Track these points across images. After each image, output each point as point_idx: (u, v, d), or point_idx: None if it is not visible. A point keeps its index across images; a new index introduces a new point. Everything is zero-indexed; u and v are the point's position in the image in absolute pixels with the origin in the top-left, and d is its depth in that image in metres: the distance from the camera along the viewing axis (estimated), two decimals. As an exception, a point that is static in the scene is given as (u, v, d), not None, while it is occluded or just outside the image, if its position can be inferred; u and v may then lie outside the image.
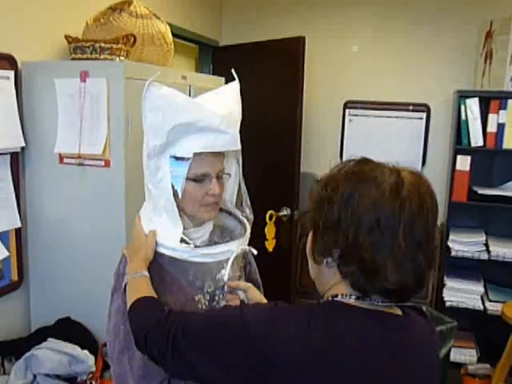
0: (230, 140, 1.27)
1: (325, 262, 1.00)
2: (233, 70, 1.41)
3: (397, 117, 3.55)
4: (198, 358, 1.01)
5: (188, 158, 1.26)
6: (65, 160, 2.05)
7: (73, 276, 2.13)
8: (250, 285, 1.36)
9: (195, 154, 1.26)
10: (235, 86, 1.39)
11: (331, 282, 1.02)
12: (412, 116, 3.53)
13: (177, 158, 1.27)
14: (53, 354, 1.94)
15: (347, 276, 0.97)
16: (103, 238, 2.04)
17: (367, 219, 0.92)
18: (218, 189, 1.31)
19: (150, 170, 1.29)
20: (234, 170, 1.43)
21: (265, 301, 1.34)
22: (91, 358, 2.00)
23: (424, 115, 3.51)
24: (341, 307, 0.98)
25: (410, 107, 3.52)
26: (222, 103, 1.30)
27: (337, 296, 0.99)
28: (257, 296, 1.34)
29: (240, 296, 1.34)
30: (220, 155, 1.33)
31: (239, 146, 1.30)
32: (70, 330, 2.11)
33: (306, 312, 0.96)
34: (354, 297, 0.98)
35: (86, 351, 2.01)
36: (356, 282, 0.96)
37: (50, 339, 2.03)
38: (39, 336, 2.08)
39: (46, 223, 2.14)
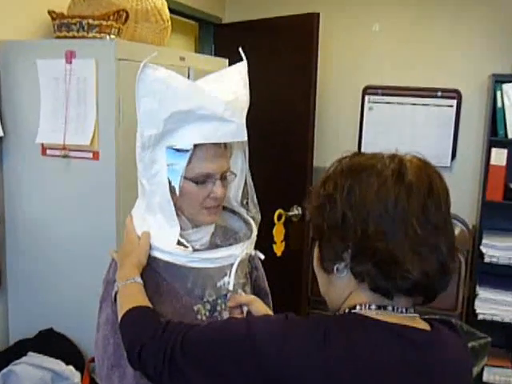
0: (236, 130, 1.26)
1: (335, 268, 1.00)
2: (240, 49, 1.40)
3: (423, 104, 3.53)
4: (198, 376, 1.01)
5: (187, 150, 1.25)
6: (48, 151, 2.05)
7: (56, 283, 2.13)
8: (252, 298, 1.35)
9: (196, 148, 1.25)
10: (243, 67, 1.38)
11: (346, 293, 1.02)
12: (441, 103, 3.51)
13: (174, 150, 1.26)
14: (33, 370, 1.95)
15: (364, 277, 0.97)
16: (91, 240, 2.04)
17: (374, 209, 0.94)
18: (222, 191, 1.31)
19: (144, 162, 1.29)
20: (239, 164, 1.42)
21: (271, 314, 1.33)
22: (77, 375, 2.00)
23: (454, 102, 3.49)
24: (360, 321, 0.97)
25: (439, 93, 3.51)
26: (227, 87, 1.30)
27: (355, 307, 0.99)
28: (262, 310, 1.34)
29: (243, 310, 1.33)
30: (226, 150, 1.32)
31: (246, 137, 1.29)
32: (52, 343, 2.11)
33: (322, 326, 0.95)
34: (374, 307, 0.98)
35: (70, 367, 2.01)
36: (375, 282, 0.96)
37: (30, 353, 2.04)
38: (18, 350, 2.08)
39: (26, 223, 2.15)
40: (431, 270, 0.95)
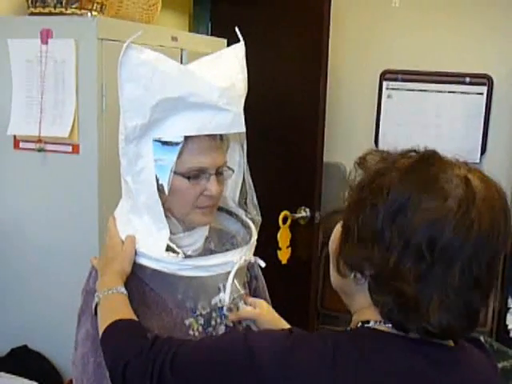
0: (232, 120, 1.26)
1: (352, 276, 0.99)
2: (237, 29, 1.40)
3: (449, 91, 3.52)
4: None
5: (177, 143, 1.25)
6: (21, 144, 2.05)
7: (31, 293, 2.13)
8: (259, 312, 1.35)
9: (188, 139, 1.25)
10: (240, 49, 1.38)
11: (359, 303, 1.02)
12: (469, 90, 3.50)
13: (163, 143, 1.27)
14: (5, 393, 1.95)
15: (378, 305, 0.97)
16: (71, 245, 2.04)
17: (418, 242, 0.90)
18: (217, 189, 1.31)
19: (128, 157, 1.29)
20: (236, 159, 1.43)
21: (283, 323, 1.34)
22: (54, 399, 2.01)
23: (485, 89, 3.48)
24: (373, 336, 0.97)
25: (467, 79, 3.50)
26: (223, 72, 1.30)
27: (368, 322, 0.99)
28: (273, 322, 1.34)
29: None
30: (222, 143, 1.32)
31: (244, 128, 1.29)
32: (27, 363, 2.12)
33: (331, 342, 0.95)
34: (390, 324, 0.97)
35: (46, 389, 2.01)
36: (388, 314, 0.96)
37: (1, 374, 2.04)
38: (-13, 370, 2.09)
39: (-4, 225, 2.15)
40: (456, 324, 0.93)
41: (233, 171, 1.38)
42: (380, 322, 0.98)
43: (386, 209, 0.93)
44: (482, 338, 1.13)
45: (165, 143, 1.26)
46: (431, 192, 0.92)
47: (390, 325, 0.97)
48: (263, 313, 1.36)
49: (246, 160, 1.42)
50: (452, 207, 0.90)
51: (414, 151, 0.99)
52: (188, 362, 1.04)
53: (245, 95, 1.33)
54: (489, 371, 1.05)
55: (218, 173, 1.32)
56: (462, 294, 0.92)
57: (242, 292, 1.35)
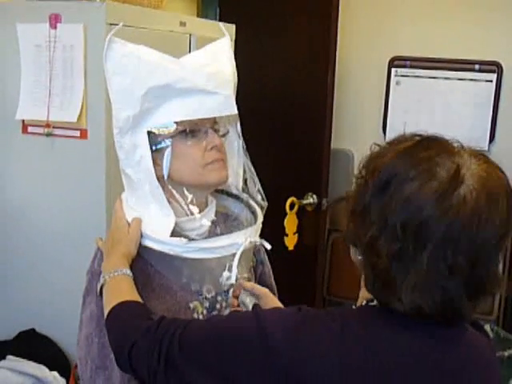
0: (223, 102, 1.28)
1: (352, 250, 1.04)
2: (220, 24, 1.43)
3: (458, 78, 3.50)
4: (200, 377, 1.02)
5: (170, 130, 1.27)
6: (29, 129, 2.06)
7: (39, 276, 2.15)
8: (266, 290, 1.37)
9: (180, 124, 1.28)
10: (225, 42, 1.41)
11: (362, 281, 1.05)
12: (479, 77, 3.48)
13: (156, 131, 1.28)
14: (13, 376, 1.97)
15: (366, 280, 1.00)
16: (79, 229, 2.05)
17: (394, 221, 0.92)
18: (219, 140, 1.32)
19: (125, 149, 1.31)
20: (234, 145, 1.43)
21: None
22: (62, 382, 2.02)
23: (494, 77, 3.46)
24: (378, 312, 1.00)
25: (477, 66, 3.47)
26: (209, 60, 1.32)
27: (372, 300, 1.02)
28: (272, 306, 1.35)
29: (248, 307, 1.33)
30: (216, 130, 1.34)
31: (235, 110, 1.30)
32: (34, 346, 2.14)
33: (338, 318, 0.97)
34: None
35: (54, 373, 2.03)
36: (374, 291, 0.99)
37: (9, 357, 2.06)
38: (-4, 352, 2.11)
39: (4, 209, 2.16)
40: (426, 308, 0.94)
41: (228, 132, 1.39)
42: None
43: (374, 185, 0.95)
44: (488, 326, 1.14)
45: (158, 131, 1.28)
46: (416, 172, 0.92)
47: None
48: (269, 292, 1.37)
49: (243, 145, 1.42)
50: (432, 188, 0.91)
51: (419, 135, 1.00)
52: (196, 340, 1.05)
53: (234, 81, 1.35)
54: (488, 352, 1.06)
55: (215, 130, 1.33)
56: (434, 279, 0.92)
57: (247, 275, 1.36)
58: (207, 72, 1.26)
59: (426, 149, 0.96)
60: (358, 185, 1.00)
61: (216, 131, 1.33)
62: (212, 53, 1.36)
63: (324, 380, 0.92)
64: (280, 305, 1.37)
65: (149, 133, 1.28)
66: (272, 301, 1.36)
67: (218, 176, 1.34)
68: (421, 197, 0.90)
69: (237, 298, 1.35)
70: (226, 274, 1.32)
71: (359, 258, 1.02)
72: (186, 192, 1.32)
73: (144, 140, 1.28)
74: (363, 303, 1.03)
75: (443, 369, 0.95)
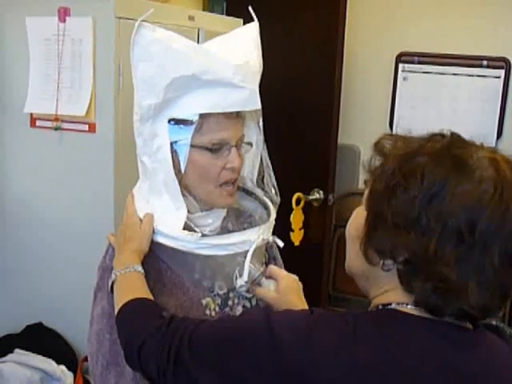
0: (248, 97, 1.26)
1: (381, 263, 0.98)
2: (250, 8, 1.39)
3: (466, 74, 3.49)
4: (208, 378, 1.01)
5: (192, 122, 1.25)
6: (38, 122, 2.06)
7: (46, 270, 2.15)
8: (285, 273, 1.35)
9: (203, 116, 1.25)
10: (254, 27, 1.37)
11: (384, 288, 1.01)
12: (486, 73, 3.47)
13: (177, 122, 1.26)
14: (21, 369, 1.97)
15: (412, 291, 0.96)
16: (87, 223, 2.05)
17: (457, 225, 0.90)
18: (239, 161, 1.30)
19: (144, 137, 1.29)
20: (254, 138, 1.42)
21: (303, 299, 1.33)
22: (69, 376, 2.02)
23: (502, 73, 3.44)
24: (394, 316, 0.97)
25: (484, 62, 3.46)
26: (237, 49, 1.29)
27: (390, 304, 0.99)
28: (292, 290, 1.33)
29: (270, 288, 1.31)
30: (239, 117, 1.31)
31: (259, 105, 1.28)
32: (41, 340, 2.14)
33: (351, 321, 0.95)
34: (411, 306, 0.97)
35: (62, 367, 2.03)
36: (425, 301, 0.95)
37: (17, 350, 2.06)
38: (4, 346, 2.11)
39: (13, 203, 2.16)
40: (493, 305, 0.94)
41: (251, 146, 1.37)
42: (402, 303, 0.97)
43: (422, 193, 0.92)
44: (499, 325, 1.13)
45: (179, 122, 1.26)
46: (465, 175, 0.91)
47: (411, 306, 0.97)
48: (286, 276, 1.35)
49: (263, 138, 1.41)
50: (487, 190, 0.90)
51: (440, 135, 0.98)
52: (206, 340, 1.04)
53: (260, 72, 1.33)
54: (508, 356, 1.04)
55: (237, 146, 1.31)
56: (500, 274, 0.92)
57: (262, 269, 1.35)
58: (234, 64, 1.23)
59: (460, 148, 0.95)
60: (391, 193, 0.95)
61: (239, 148, 1.31)
62: (240, 40, 1.33)
63: (334, 382, 0.91)
64: (299, 291, 1.35)
65: (171, 122, 1.26)
66: (290, 286, 1.33)
67: (226, 202, 1.34)
68: (480, 200, 0.90)
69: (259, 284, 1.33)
70: (239, 281, 1.30)
71: (389, 267, 0.97)
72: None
73: (164, 130, 1.27)
74: (379, 307, 1.01)
75: (461, 373, 0.94)
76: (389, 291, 1.00)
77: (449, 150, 0.95)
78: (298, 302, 1.33)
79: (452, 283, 0.91)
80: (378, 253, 0.98)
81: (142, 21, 1.23)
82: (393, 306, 0.98)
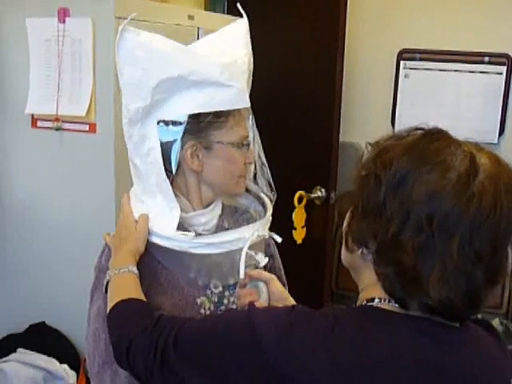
0: (236, 95, 1.26)
1: (359, 252, 1.01)
2: (238, 5, 1.39)
3: (468, 71, 3.48)
4: (193, 375, 1.02)
5: (181, 123, 1.26)
6: (39, 123, 2.07)
7: (49, 270, 2.16)
8: (273, 276, 1.36)
9: (225, 114, 1.27)
10: (242, 24, 1.38)
11: (366, 280, 1.03)
12: (488, 70, 3.46)
13: (167, 123, 1.27)
14: (24, 369, 1.98)
15: (381, 278, 0.98)
16: (87, 222, 2.06)
17: (417, 213, 0.91)
18: (253, 157, 1.37)
19: (134, 140, 1.30)
20: (250, 135, 1.43)
21: (291, 299, 1.34)
22: (72, 375, 2.03)
23: (504, 69, 3.43)
24: (375, 313, 0.98)
25: (486, 58, 3.45)
26: (225, 48, 1.30)
27: (373, 300, 1.00)
28: (280, 291, 1.34)
29: (262, 291, 1.32)
30: (245, 113, 1.34)
31: (248, 103, 1.29)
32: (44, 339, 2.14)
33: (330, 317, 0.96)
34: (394, 303, 0.98)
35: (65, 366, 2.04)
36: (390, 288, 0.97)
37: (20, 350, 2.07)
38: (6, 346, 2.12)
39: (14, 203, 2.17)
40: (456, 299, 0.93)
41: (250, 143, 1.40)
42: (384, 299, 0.98)
43: (388, 181, 0.94)
44: (497, 320, 1.13)
45: (169, 123, 1.27)
46: (432, 164, 0.93)
47: (394, 303, 0.97)
48: (275, 278, 1.36)
49: (257, 136, 1.42)
50: (452, 178, 0.91)
51: (422, 129, 1.00)
52: (190, 339, 1.05)
53: (249, 70, 1.33)
54: (496, 352, 1.04)
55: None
56: (462, 267, 0.92)
57: (261, 265, 1.35)
58: (221, 63, 1.24)
59: (435, 140, 0.97)
60: (365, 182, 0.98)
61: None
62: (228, 38, 1.34)
63: (312, 378, 0.92)
64: (285, 291, 1.37)
65: (160, 124, 1.28)
66: (278, 285, 1.35)
67: (242, 189, 1.39)
68: (443, 188, 0.91)
69: (244, 287, 1.34)
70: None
71: (368, 258, 1.00)
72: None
73: (153, 132, 1.27)
74: (363, 303, 1.02)
75: (442, 369, 0.94)
76: (372, 286, 1.01)
77: (420, 141, 0.97)
78: (289, 298, 1.34)
79: (409, 270, 0.92)
80: (354, 241, 1.01)
81: (126, 25, 1.25)
82: (375, 301, 1.00)
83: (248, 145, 1.33)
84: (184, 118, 1.26)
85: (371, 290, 1.01)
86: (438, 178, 0.91)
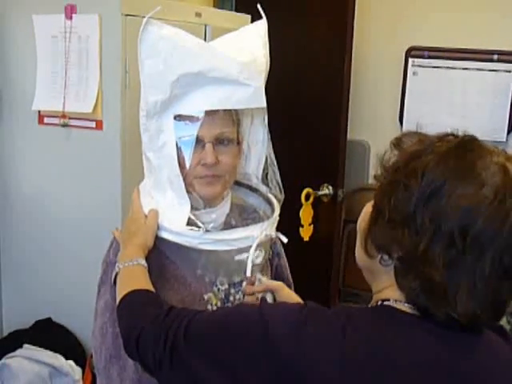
0: (253, 95, 1.26)
1: (379, 257, 0.99)
2: (258, 6, 1.40)
3: (477, 69, 3.47)
4: (203, 367, 1.02)
5: (198, 118, 1.26)
6: (45, 120, 2.07)
7: (56, 266, 2.17)
8: (280, 284, 1.36)
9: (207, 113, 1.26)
10: (262, 25, 1.39)
11: (382, 283, 1.02)
12: (497, 68, 3.44)
13: (183, 118, 1.28)
14: (29, 365, 1.98)
15: (404, 288, 0.96)
16: (93, 218, 2.07)
17: (450, 227, 0.89)
18: (213, 158, 1.28)
19: (150, 133, 1.30)
20: (259, 135, 1.42)
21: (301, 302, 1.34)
22: (77, 371, 2.04)
23: (513, 67, 3.43)
24: (389, 313, 0.97)
25: (495, 56, 3.44)
26: (244, 47, 1.31)
27: (388, 300, 0.99)
28: (290, 298, 1.34)
29: (268, 300, 1.33)
30: (225, 114, 1.30)
31: (264, 103, 1.29)
32: (50, 335, 2.15)
33: (343, 316, 0.96)
34: (407, 304, 0.97)
35: (71, 362, 2.05)
36: (414, 299, 0.95)
37: (25, 345, 2.08)
38: (12, 341, 2.13)
39: (21, 199, 2.18)
40: (481, 313, 0.92)
41: (238, 143, 1.36)
42: (400, 301, 0.97)
43: (420, 192, 0.91)
44: (504, 318, 1.12)
45: (185, 118, 1.27)
46: (468, 178, 0.90)
47: (408, 304, 0.96)
48: (284, 286, 1.37)
49: (268, 136, 1.42)
50: (488, 195, 0.89)
51: (453, 135, 0.97)
52: (202, 331, 1.05)
53: (266, 71, 1.33)
54: (507, 357, 1.02)
55: (219, 142, 1.30)
56: (491, 283, 0.90)
57: (261, 263, 1.35)
58: (241, 62, 1.24)
59: (469, 150, 0.94)
60: (392, 189, 0.95)
61: (220, 144, 1.31)
62: (248, 38, 1.35)
63: (323, 377, 0.91)
64: (296, 297, 1.36)
65: (177, 119, 1.27)
66: (288, 293, 1.36)
67: (205, 191, 1.33)
68: (478, 204, 0.89)
69: (252, 284, 1.34)
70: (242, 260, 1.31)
71: (388, 263, 0.98)
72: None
73: (170, 126, 1.28)
74: (378, 303, 1.01)
75: (456, 373, 0.93)
76: (387, 288, 1.00)
77: (455, 150, 0.94)
78: (298, 299, 1.34)
79: (437, 286, 0.90)
80: (375, 247, 0.99)
81: (150, 18, 1.24)
82: (390, 302, 0.98)
83: (204, 145, 1.28)
84: (201, 114, 1.26)
85: (387, 291, 1.00)
86: (474, 194, 0.89)
